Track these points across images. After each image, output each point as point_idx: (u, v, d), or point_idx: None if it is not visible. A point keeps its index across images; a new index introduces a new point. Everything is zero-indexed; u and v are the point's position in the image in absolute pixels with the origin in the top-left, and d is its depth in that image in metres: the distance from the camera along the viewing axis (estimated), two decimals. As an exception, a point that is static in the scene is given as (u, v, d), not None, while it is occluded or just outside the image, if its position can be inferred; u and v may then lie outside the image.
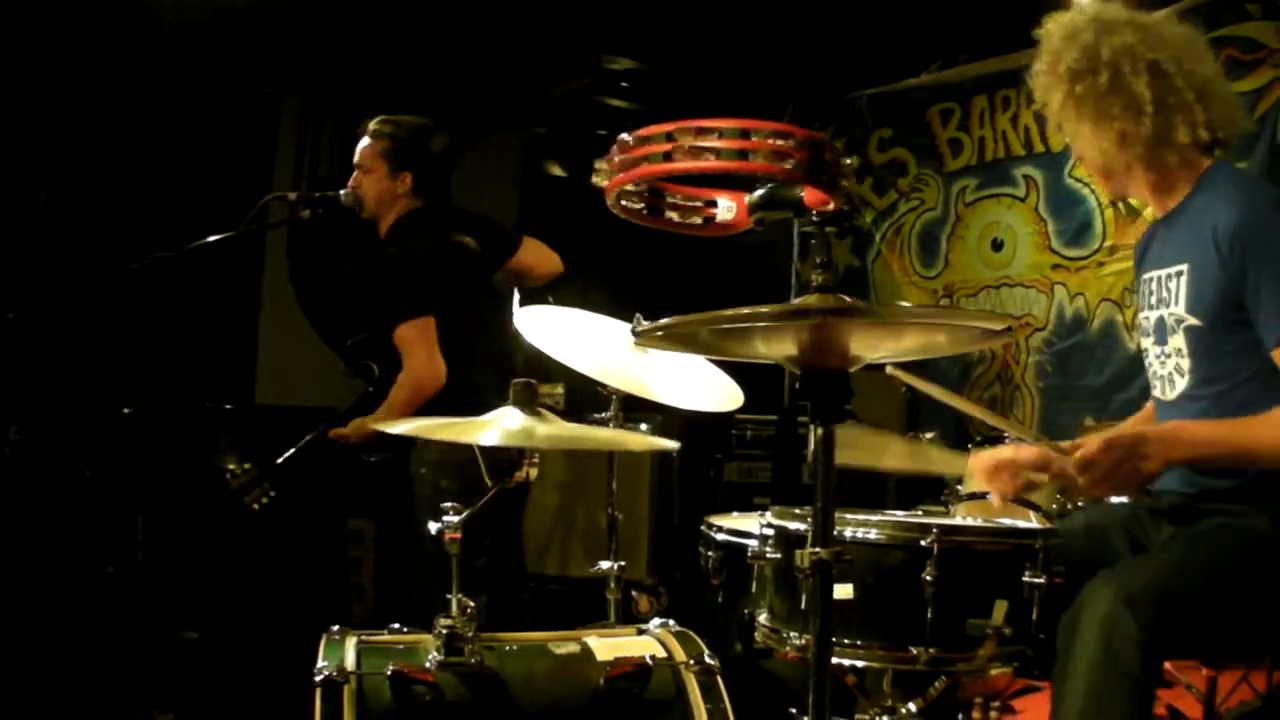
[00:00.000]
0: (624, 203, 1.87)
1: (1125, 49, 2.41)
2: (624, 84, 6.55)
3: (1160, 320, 2.53)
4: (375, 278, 3.70)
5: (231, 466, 3.57)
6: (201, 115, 5.41)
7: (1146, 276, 2.61)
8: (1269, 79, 4.71)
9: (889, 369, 2.45)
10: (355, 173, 3.78)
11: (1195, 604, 2.20)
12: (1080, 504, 3.51)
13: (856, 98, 6.52)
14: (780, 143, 1.62)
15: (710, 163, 1.65)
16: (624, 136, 1.74)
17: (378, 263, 3.73)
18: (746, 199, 1.76)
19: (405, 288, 3.62)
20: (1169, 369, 2.51)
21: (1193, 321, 2.42)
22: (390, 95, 5.27)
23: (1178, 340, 2.46)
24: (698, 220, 1.94)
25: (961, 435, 5.49)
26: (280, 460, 3.58)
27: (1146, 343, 2.61)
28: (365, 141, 3.78)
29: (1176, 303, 2.46)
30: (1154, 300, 2.56)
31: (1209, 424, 2.35)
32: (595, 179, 1.79)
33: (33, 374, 4.42)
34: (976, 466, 2.66)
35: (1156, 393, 2.58)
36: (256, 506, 3.58)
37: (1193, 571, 2.24)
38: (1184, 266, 2.44)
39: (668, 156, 1.67)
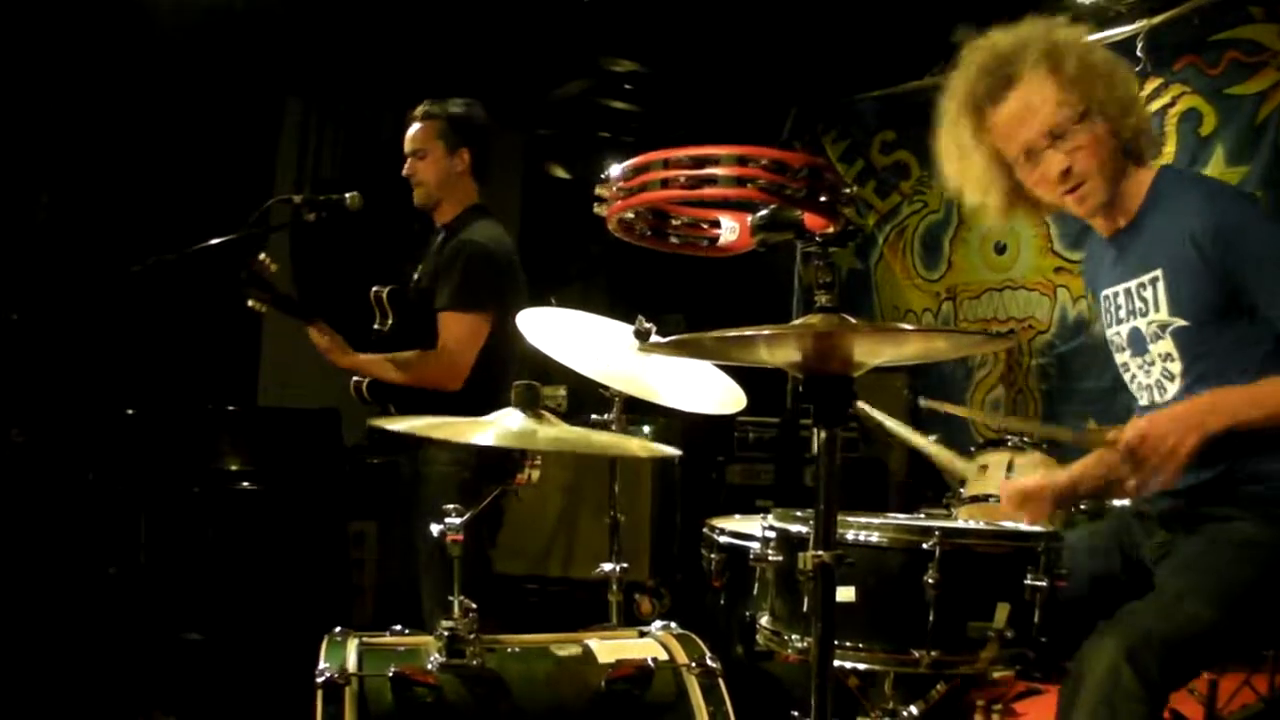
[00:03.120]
0: (626, 227, 1.87)
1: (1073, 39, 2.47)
2: (626, 86, 6.55)
3: (1136, 331, 2.54)
4: (453, 259, 3.67)
5: (265, 261, 3.51)
6: (203, 117, 5.42)
7: (1110, 292, 2.62)
8: (1272, 81, 4.70)
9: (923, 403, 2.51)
10: (410, 161, 3.75)
11: (1199, 638, 2.22)
12: (1083, 507, 3.52)
13: (859, 100, 6.52)
14: (776, 177, 1.63)
15: (708, 190, 1.66)
16: (623, 165, 1.75)
17: (458, 246, 3.69)
18: (749, 220, 1.76)
19: (476, 278, 3.62)
20: (1155, 376, 2.52)
21: (1180, 323, 2.42)
22: (391, 97, 5.28)
23: (1164, 345, 2.46)
24: (701, 242, 1.95)
25: (963, 438, 5.50)
26: (279, 295, 3.54)
27: (1123, 357, 2.62)
28: (415, 127, 3.76)
29: (1156, 309, 2.46)
30: (1123, 313, 2.57)
31: (1241, 387, 2.33)
32: (596, 208, 1.80)
33: (35, 375, 4.43)
34: (1005, 497, 2.67)
35: (1144, 402, 2.58)
36: (252, 304, 3.53)
37: (1194, 603, 2.23)
38: (1158, 272, 2.45)
39: (665, 184, 1.68)
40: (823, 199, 1.66)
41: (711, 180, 1.66)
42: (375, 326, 3.77)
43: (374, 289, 3.80)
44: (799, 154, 1.67)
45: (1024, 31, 2.50)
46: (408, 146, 3.76)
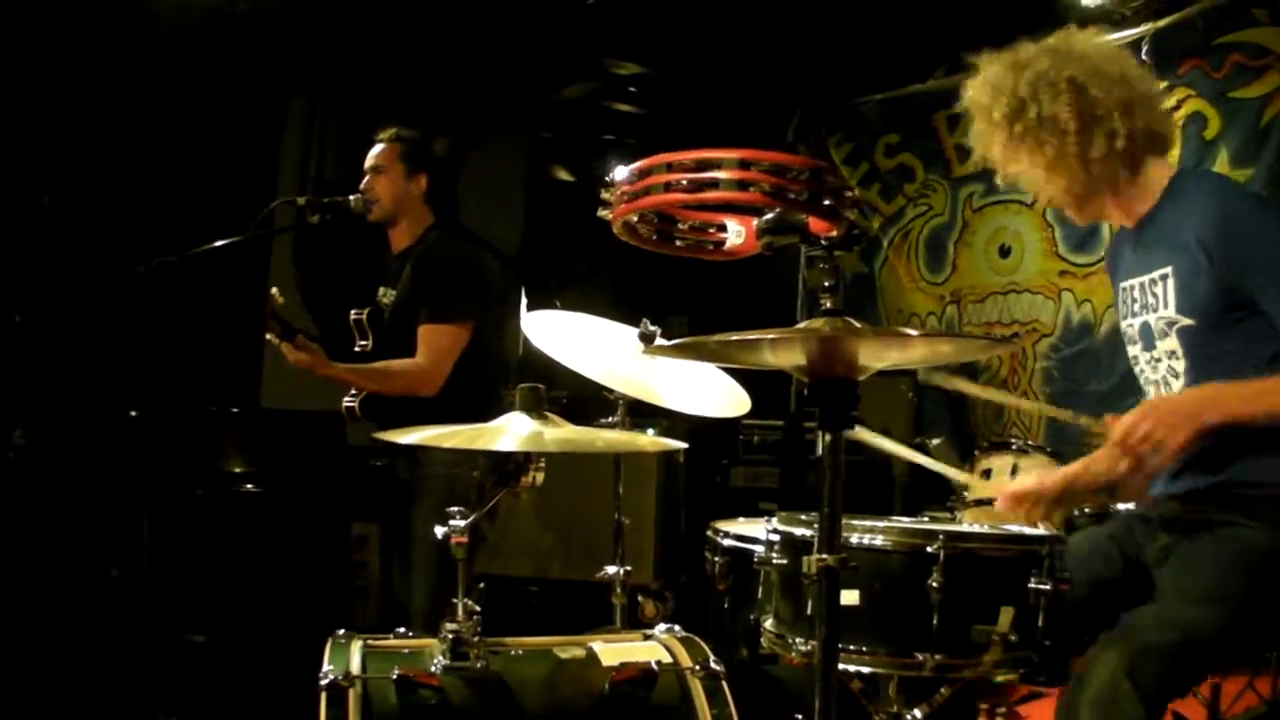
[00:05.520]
0: (632, 230, 1.88)
1: (1040, 77, 2.41)
2: (630, 88, 6.55)
3: (1146, 325, 2.55)
4: (423, 275, 3.71)
5: (276, 294, 3.55)
6: (206, 119, 5.42)
7: (1126, 284, 2.64)
8: (1276, 84, 4.70)
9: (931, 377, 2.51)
10: (368, 176, 3.79)
11: (1199, 648, 2.23)
12: (1086, 510, 3.52)
13: (863, 103, 6.51)
14: (778, 180, 1.64)
15: (710, 194, 1.67)
16: (627, 169, 1.75)
17: (424, 262, 3.74)
18: (755, 224, 1.76)
19: (449, 291, 3.64)
20: (1161, 373, 2.52)
21: (1186, 322, 2.43)
22: (396, 99, 5.29)
23: (1169, 343, 2.47)
24: (707, 245, 1.96)
25: (966, 439, 5.49)
26: (277, 311, 3.56)
27: (1134, 350, 2.64)
28: (379, 147, 3.82)
29: (1165, 306, 2.47)
30: (1136, 307, 2.59)
31: (1240, 383, 2.33)
32: (601, 212, 1.81)
33: (38, 377, 4.43)
34: (1001, 502, 2.67)
35: (1151, 397, 2.58)
36: (270, 336, 3.56)
37: (1195, 612, 2.24)
38: (1168, 270, 2.46)
39: (668, 188, 1.69)
40: (825, 202, 1.67)
41: (714, 184, 1.66)
42: (356, 349, 3.81)
43: (352, 313, 3.85)
44: (801, 157, 1.67)
45: (992, 80, 2.50)
46: (368, 163, 3.82)
